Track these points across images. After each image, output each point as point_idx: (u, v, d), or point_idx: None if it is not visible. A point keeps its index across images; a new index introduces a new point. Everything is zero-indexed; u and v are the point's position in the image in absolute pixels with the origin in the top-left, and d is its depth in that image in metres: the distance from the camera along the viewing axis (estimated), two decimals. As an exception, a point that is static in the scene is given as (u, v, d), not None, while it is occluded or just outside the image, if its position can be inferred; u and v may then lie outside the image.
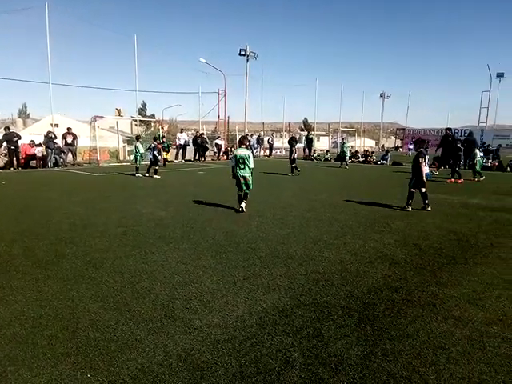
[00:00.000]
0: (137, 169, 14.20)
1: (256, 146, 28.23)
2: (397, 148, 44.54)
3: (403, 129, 48.15)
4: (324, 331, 2.94)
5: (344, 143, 20.51)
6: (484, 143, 23.18)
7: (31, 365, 2.48)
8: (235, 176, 7.53)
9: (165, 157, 18.30)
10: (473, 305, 3.44)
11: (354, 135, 39.86)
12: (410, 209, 7.76)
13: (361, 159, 23.90)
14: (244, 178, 7.45)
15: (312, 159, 25.72)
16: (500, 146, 24.05)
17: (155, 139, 14.92)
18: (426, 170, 7.91)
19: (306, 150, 27.01)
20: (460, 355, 2.66)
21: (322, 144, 40.91)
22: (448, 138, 15.44)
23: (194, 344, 2.75)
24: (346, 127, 42.51)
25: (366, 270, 4.30)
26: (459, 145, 13.94)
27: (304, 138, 29.91)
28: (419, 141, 8.42)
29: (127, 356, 2.59)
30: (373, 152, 25.78)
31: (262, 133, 32.24)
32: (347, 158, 19.71)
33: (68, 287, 3.73)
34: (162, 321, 3.09)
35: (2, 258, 4.58)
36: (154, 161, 13.90)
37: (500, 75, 40.68)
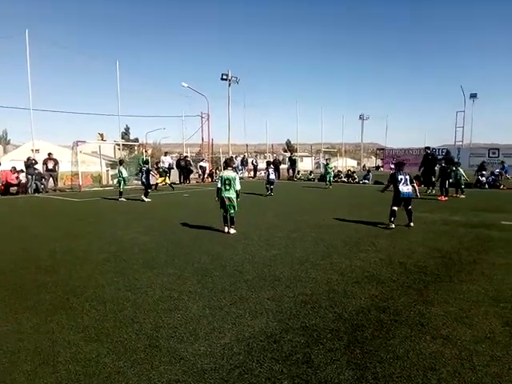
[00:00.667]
0: (120, 193, 14.01)
1: (240, 167, 28.37)
2: (378, 167, 45.49)
3: (383, 148, 49.39)
4: (314, 356, 2.88)
5: (327, 164, 20.72)
6: (484, 162, 23.43)
7: (6, 405, 2.34)
8: (220, 197, 7.54)
9: (158, 181, 18.23)
10: (460, 323, 3.44)
11: (336, 155, 40.60)
12: (393, 226, 7.88)
13: (344, 179, 24.23)
14: (229, 199, 7.48)
15: (295, 180, 25.97)
16: (484, 162, 24.51)
17: (146, 163, 14.84)
18: (404, 189, 8.07)
19: (290, 170, 27.31)
20: (451, 376, 2.64)
21: (306, 165, 41.44)
22: (428, 157, 15.83)
23: (180, 375, 2.65)
24: (327, 148, 43.26)
25: (353, 290, 4.28)
26: (444, 163, 14.26)
27: (287, 159, 30.31)
28: (399, 163, 8.86)
29: (110, 391, 2.47)
30: (354, 172, 26.20)
31: (246, 154, 32.47)
32: (331, 178, 19.86)
33: (48, 318, 3.58)
34: (146, 351, 2.97)
35: (-24, 290, 4.37)
36: (147, 184, 13.86)
37: (473, 96, 42.56)
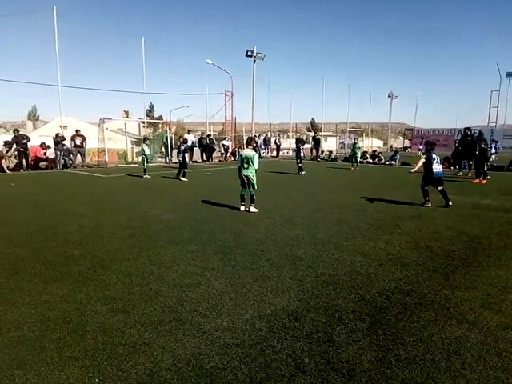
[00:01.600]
0: (144, 170, 14.24)
1: (263, 146, 28.20)
2: (405, 148, 44.15)
3: (411, 129, 47.73)
4: (335, 336, 2.88)
5: (355, 143, 19.63)
6: None
7: (39, 369, 2.46)
8: (240, 175, 7.62)
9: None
10: (487, 309, 3.35)
11: (362, 135, 39.61)
12: (429, 204, 8.11)
13: (370, 159, 23.68)
14: (247, 177, 7.55)
15: (319, 160, 25.63)
16: None
17: (185, 142, 14.68)
18: (437, 168, 8.17)
19: (314, 150, 26.93)
20: (475, 361, 2.58)
21: (330, 144, 40.72)
22: (467, 138, 15.08)
23: (203, 348, 2.71)
24: (353, 127, 42.28)
25: (376, 272, 4.23)
26: (483, 145, 13.51)
27: (311, 138, 29.83)
28: (431, 143, 8.65)
29: (135, 360, 2.56)
30: (380, 153, 25.54)
31: (268, 134, 32.18)
32: (357, 158, 18.86)
33: (76, 289, 3.72)
34: (171, 324, 3.05)
35: (11, 260, 4.59)
36: (183, 163, 13.40)
37: (510, 74, 40.10)
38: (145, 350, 2.68)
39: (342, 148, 37.01)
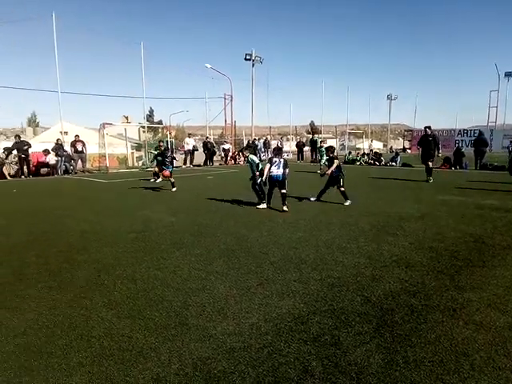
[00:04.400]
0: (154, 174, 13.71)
1: (263, 150, 28.24)
2: (405, 149, 44.18)
3: (411, 130, 47.78)
4: (342, 338, 2.87)
5: (321, 146, 17.90)
6: None
7: (46, 375, 2.45)
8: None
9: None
10: (494, 309, 3.34)
11: (362, 137, 39.66)
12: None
13: (370, 161, 23.69)
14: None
15: (317, 162, 25.66)
16: None
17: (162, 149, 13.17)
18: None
19: (314, 153, 26.96)
20: (484, 362, 2.57)
21: (330, 147, 40.72)
22: (428, 138, 13.32)
23: (210, 352, 2.70)
24: (352, 129, 42.27)
25: (381, 274, 4.22)
26: (483, 145, 13.27)
27: (309, 141, 29.86)
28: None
29: (142, 365, 2.55)
30: (380, 154, 25.56)
31: (268, 137, 32.22)
32: (323, 161, 16.60)
33: (81, 295, 3.71)
34: (177, 328, 3.04)
35: (15, 266, 4.58)
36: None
37: (508, 74, 40.22)
38: (152, 355, 2.67)
39: (342, 150, 37.00)
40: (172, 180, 11.65)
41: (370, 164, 23.26)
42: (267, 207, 8.27)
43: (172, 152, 13.53)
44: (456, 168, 19.32)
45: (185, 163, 22.89)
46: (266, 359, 2.61)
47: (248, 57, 30.14)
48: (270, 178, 8.18)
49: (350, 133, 38.09)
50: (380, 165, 22.81)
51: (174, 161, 12.97)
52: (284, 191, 8.09)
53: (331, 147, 9.75)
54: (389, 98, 49.83)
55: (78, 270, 4.45)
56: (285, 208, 7.87)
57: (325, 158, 17.28)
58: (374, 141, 45.65)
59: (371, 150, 26.84)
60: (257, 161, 8.52)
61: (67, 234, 6.14)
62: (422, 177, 13.73)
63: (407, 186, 11.84)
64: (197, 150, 23.63)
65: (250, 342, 2.83)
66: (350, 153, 26.96)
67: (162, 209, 8.40)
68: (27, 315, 3.29)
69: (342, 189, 8.78)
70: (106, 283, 4.02)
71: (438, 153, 13.39)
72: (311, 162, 25.83)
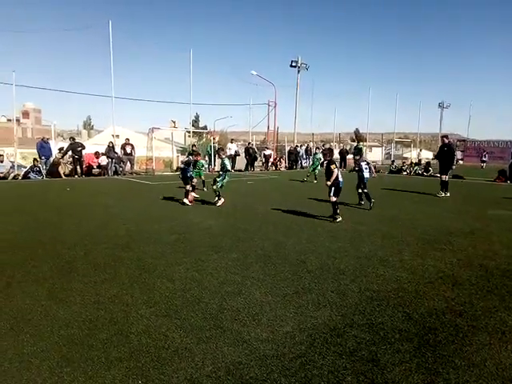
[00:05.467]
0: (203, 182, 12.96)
1: (305, 156, 28.03)
2: (457, 160, 41.91)
3: (464, 140, 45.29)
4: (380, 355, 2.75)
5: (316, 153, 16.66)
6: None
7: (86, 367, 2.56)
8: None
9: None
10: (552, 337, 3.05)
11: (410, 146, 38.16)
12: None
13: (419, 171, 22.69)
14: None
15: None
16: None
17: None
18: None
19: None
20: (538, 394, 2.35)
21: (375, 155, 39.62)
22: (444, 148, 12.37)
23: (243, 357, 2.69)
24: (400, 138, 40.80)
25: (425, 290, 4.00)
26: None
27: (353, 148, 29.22)
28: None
29: (177, 365, 2.59)
30: (429, 164, 24.40)
31: (311, 144, 31.94)
32: (317, 171, 15.89)
33: (123, 291, 3.87)
34: (211, 331, 3.07)
35: (64, 261, 4.87)
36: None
37: None
38: (186, 356, 2.71)
39: (387, 159, 35.86)
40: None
41: (418, 174, 22.28)
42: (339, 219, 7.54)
43: (212, 156, 12.74)
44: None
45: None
46: (299, 370, 2.56)
47: (294, 63, 30.19)
48: (338, 184, 7.60)
49: (397, 141, 36.77)
50: (428, 175, 21.78)
51: (203, 167, 10.93)
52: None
53: (329, 149, 8.90)
54: (440, 106, 47.62)
55: (122, 267, 4.64)
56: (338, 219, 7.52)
57: (319, 167, 15.99)
58: (423, 150, 43.75)
59: (420, 160, 25.71)
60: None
61: (113, 233, 6.44)
62: (473, 190, 12.97)
63: (457, 199, 11.21)
64: (239, 155, 23.95)
65: (284, 350, 2.80)
66: (393, 162, 25.98)
67: (202, 212, 8.57)
68: (72, 308, 3.47)
69: (364, 190, 8.42)
70: (146, 281, 4.16)
71: (452, 164, 12.37)
72: (350, 171, 25.30)
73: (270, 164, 25.84)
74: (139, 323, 3.19)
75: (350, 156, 28.87)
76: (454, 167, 12.19)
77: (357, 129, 68.06)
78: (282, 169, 25.91)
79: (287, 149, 27.82)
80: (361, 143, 29.57)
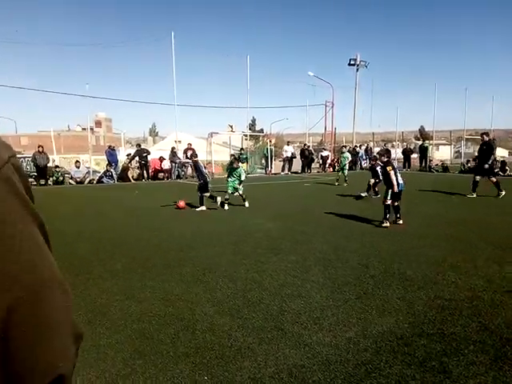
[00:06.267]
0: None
1: (364, 157, 27.11)
2: (495, 160, 37.59)
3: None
4: (452, 366, 2.58)
5: (343, 152, 15.96)
6: None
7: (156, 360, 2.72)
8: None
9: None
10: None
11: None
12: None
13: (495, 170, 20.85)
14: None
15: (426, 170, 23.61)
16: None
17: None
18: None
19: (424, 161, 24.94)
20: None
21: (443, 154, 37.14)
22: (482, 147, 11.37)
23: (305, 361, 2.68)
24: (470, 135, 37.76)
25: (503, 300, 3.67)
26: None
27: (418, 147, 27.64)
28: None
29: (240, 364, 2.66)
30: (505, 163, 22.31)
31: (370, 143, 30.79)
32: (346, 171, 15.18)
33: (189, 289, 4.05)
34: (272, 332, 3.10)
35: (140, 259, 5.19)
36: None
37: None
38: (249, 355, 2.76)
39: (457, 158, 33.43)
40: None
41: (497, 174, 20.47)
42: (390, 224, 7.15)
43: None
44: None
45: (283, 170, 23.30)
46: (365, 377, 2.49)
47: (352, 62, 29.39)
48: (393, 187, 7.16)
49: (467, 138, 34.11)
50: (504, 175, 19.94)
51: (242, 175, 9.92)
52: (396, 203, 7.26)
53: (386, 150, 8.00)
54: (517, 98, 43.24)
55: (187, 266, 4.85)
56: (400, 222, 7.23)
57: (347, 166, 15.33)
58: (497, 148, 40.08)
59: (502, 162, 23.54)
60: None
61: (180, 234, 6.76)
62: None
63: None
64: (295, 157, 23.86)
65: (347, 356, 2.73)
66: (467, 162, 24.01)
67: (260, 214, 8.67)
68: (143, 304, 3.70)
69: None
70: (209, 280, 4.31)
71: (486, 163, 10.97)
72: (419, 170, 23.95)
73: (327, 165, 25.37)
74: (204, 321, 3.31)
75: (414, 155, 27.41)
76: (487, 166, 10.91)
77: (422, 126, 64.36)
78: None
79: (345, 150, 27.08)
80: (426, 141, 27.95)
